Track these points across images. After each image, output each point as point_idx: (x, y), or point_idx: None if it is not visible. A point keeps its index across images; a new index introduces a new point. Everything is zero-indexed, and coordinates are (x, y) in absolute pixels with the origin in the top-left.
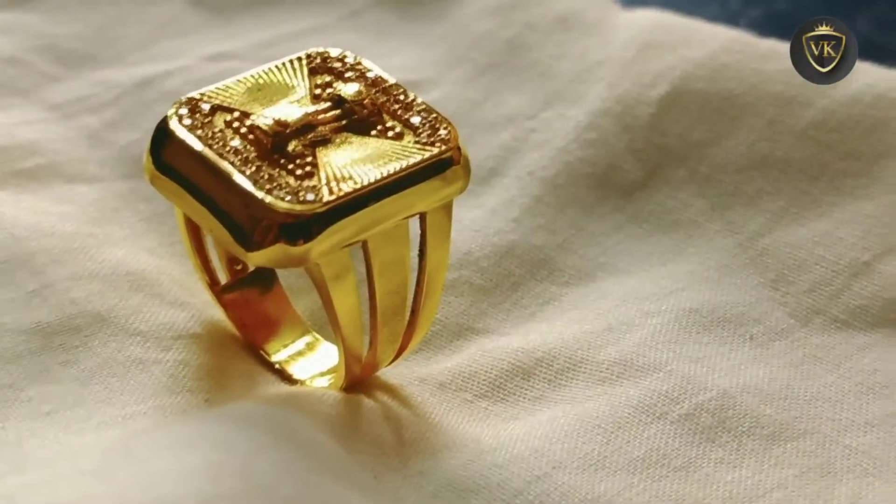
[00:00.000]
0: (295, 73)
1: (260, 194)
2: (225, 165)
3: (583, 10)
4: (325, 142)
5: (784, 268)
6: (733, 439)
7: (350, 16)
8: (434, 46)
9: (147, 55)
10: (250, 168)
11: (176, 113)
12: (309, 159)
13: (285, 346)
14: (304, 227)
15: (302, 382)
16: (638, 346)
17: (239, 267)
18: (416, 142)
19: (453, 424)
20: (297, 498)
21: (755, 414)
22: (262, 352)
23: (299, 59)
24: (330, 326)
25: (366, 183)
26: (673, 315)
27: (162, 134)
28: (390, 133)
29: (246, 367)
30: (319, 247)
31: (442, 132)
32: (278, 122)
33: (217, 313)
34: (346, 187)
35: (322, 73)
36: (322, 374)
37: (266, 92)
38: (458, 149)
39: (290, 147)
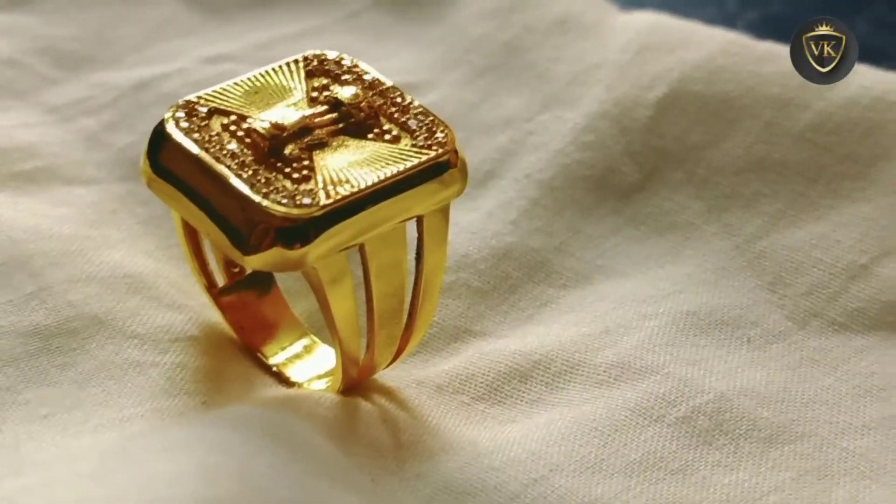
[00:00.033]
0: (292, 75)
1: (257, 198)
2: (222, 169)
3: (580, 12)
4: (321, 145)
5: (781, 270)
6: (730, 442)
7: (347, 18)
8: (431, 49)
9: (144, 57)
10: (247, 171)
11: (173, 116)
12: (306, 163)
13: (283, 348)
14: (300, 231)
15: (299, 385)
16: (635, 349)
17: (236, 270)
18: (413, 145)
19: (450, 427)
20: (294, 501)
21: (752, 417)
22: (259, 354)
23: (296, 61)
24: (327, 329)
25: (363, 186)
26: (670, 317)
27: (159, 137)
28: (387, 136)
29: (243, 369)
30: (316, 250)
31: (439, 135)
32: (275, 126)
33: (214, 316)
34: (343, 191)
35: (319, 76)
36: (319, 377)
37: (263, 95)
38: (455, 152)
39: (287, 150)
